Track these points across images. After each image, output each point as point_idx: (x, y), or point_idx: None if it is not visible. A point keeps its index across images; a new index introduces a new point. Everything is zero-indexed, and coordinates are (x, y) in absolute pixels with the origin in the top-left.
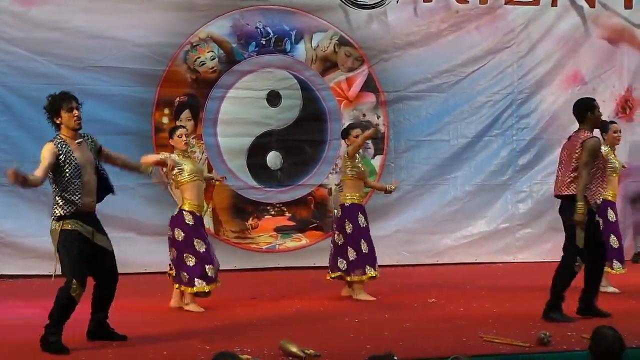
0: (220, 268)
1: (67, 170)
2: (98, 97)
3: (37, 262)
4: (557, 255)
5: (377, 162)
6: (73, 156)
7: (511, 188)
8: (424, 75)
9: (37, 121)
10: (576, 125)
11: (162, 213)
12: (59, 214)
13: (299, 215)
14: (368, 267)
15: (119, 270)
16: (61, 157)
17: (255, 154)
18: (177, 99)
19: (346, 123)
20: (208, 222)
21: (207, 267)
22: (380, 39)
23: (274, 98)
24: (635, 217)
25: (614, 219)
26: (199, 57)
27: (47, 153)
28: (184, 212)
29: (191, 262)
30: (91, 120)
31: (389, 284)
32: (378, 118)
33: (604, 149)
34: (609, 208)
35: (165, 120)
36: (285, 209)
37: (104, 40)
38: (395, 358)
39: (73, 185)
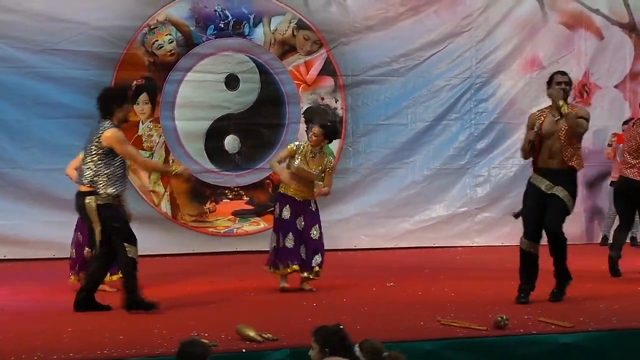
0: (179, 252)
1: None
2: (55, 80)
3: None
4: (514, 240)
5: (335, 146)
6: None
7: (469, 172)
8: (383, 59)
9: None
10: (534, 109)
11: None
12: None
13: (256, 199)
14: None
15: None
16: None
17: (213, 138)
18: (135, 82)
19: (304, 107)
20: (165, 206)
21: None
22: (339, 22)
23: (232, 81)
24: (592, 201)
25: None
26: (157, 40)
27: None
28: None
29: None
30: (48, 103)
31: (347, 268)
32: (336, 102)
33: None
34: None
35: None
36: (243, 193)
37: (61, 23)
38: (342, 326)
39: None
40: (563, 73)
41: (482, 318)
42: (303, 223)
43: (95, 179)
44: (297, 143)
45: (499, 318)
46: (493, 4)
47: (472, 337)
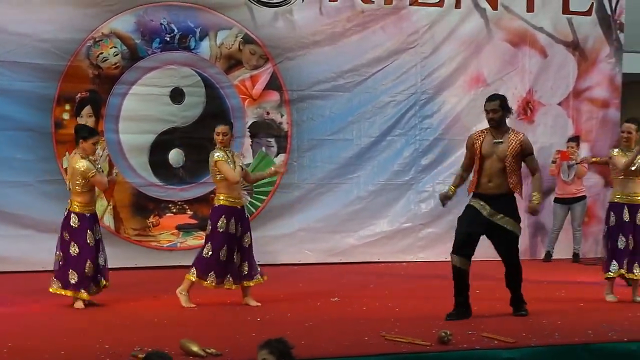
0: (122, 266)
1: None
2: None
3: None
4: None
5: (280, 160)
6: None
7: (414, 188)
8: (329, 75)
9: None
10: (478, 126)
11: (62, 210)
12: None
13: (200, 213)
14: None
15: (17, 269)
16: None
17: (157, 152)
18: (79, 94)
19: (250, 121)
20: (108, 219)
21: (70, 271)
22: (285, 37)
23: (177, 95)
24: (535, 217)
25: None
26: (101, 53)
27: None
28: (71, 214)
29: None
30: None
31: (291, 283)
32: (282, 116)
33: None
34: None
35: (65, 116)
36: (187, 207)
37: (5, 35)
38: (285, 339)
39: None
40: (490, 99)
41: (426, 333)
42: (240, 229)
43: None
44: (218, 153)
45: (443, 333)
46: (439, 21)
47: (416, 352)
